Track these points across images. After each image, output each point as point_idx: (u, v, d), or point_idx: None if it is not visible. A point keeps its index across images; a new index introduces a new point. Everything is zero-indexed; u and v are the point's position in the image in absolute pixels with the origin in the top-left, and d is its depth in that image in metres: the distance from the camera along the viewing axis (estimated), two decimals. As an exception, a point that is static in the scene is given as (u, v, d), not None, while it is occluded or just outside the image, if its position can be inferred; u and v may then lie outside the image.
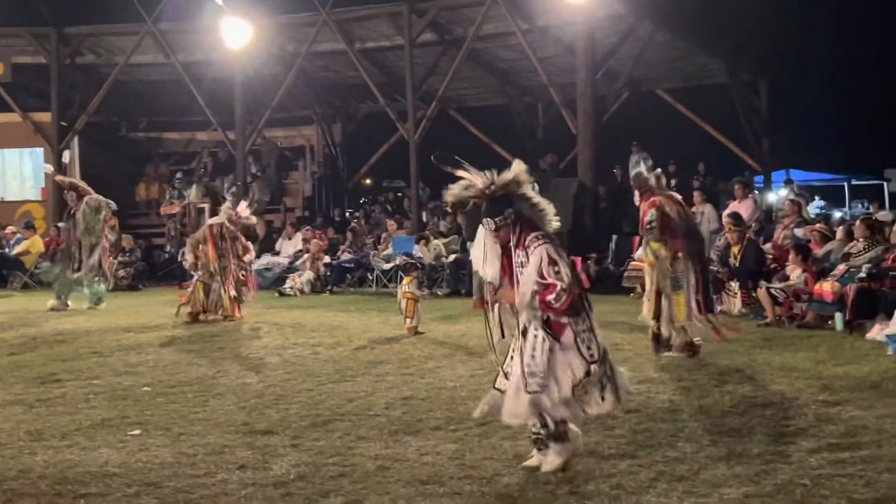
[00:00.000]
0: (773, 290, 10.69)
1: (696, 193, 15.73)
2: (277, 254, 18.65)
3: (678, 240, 8.40)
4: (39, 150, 21.44)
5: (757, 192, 19.68)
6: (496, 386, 5.18)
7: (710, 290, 8.70)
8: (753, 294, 11.14)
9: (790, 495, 4.52)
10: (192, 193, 20.95)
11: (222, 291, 11.91)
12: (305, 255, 17.31)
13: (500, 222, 5.05)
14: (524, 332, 5.01)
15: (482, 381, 7.19)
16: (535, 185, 5.56)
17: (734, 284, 11.51)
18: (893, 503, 4.40)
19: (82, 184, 14.57)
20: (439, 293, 15.61)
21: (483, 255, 5.19)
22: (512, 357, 5.09)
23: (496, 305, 5.21)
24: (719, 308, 10.03)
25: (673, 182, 14.92)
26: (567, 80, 18.18)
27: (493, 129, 23.33)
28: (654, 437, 5.65)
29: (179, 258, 17.80)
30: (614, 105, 19.13)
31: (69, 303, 13.88)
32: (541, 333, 4.95)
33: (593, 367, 4.98)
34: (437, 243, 16.61)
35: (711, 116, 21.16)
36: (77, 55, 21.26)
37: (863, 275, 9.84)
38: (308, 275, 16.62)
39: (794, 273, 10.97)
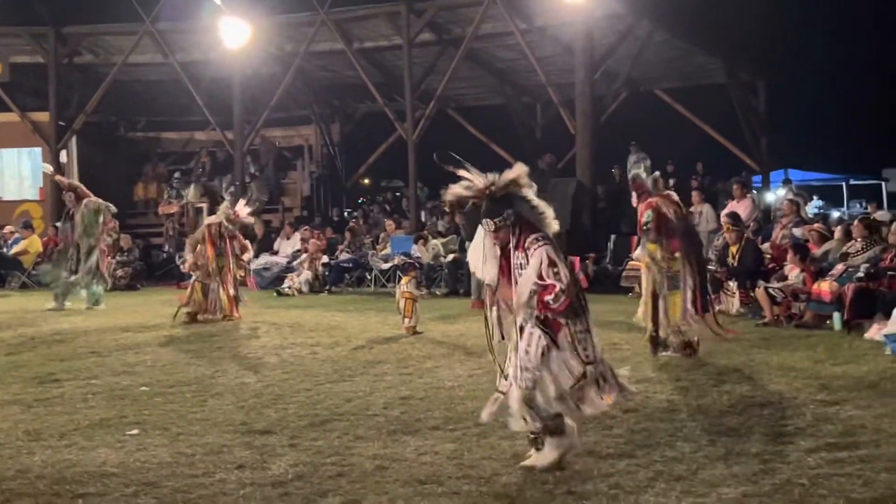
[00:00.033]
0: (771, 290, 10.69)
1: (694, 193, 15.73)
2: (276, 253, 18.65)
3: (675, 240, 8.42)
4: (38, 150, 21.38)
5: (755, 191, 19.70)
6: (498, 388, 5.19)
7: (707, 291, 8.73)
8: (751, 294, 11.15)
9: (788, 495, 4.52)
10: (191, 193, 20.88)
11: (221, 291, 11.91)
12: (304, 255, 17.29)
13: (500, 223, 5.06)
14: (521, 330, 5.02)
15: (480, 381, 7.21)
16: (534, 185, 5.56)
17: (732, 284, 11.54)
18: (891, 502, 4.40)
19: (81, 186, 14.57)
20: (437, 293, 15.60)
21: (482, 256, 5.19)
22: (510, 358, 5.10)
23: (494, 307, 5.22)
24: (718, 308, 10.03)
25: (671, 182, 14.95)
26: (565, 79, 18.16)
27: (491, 128, 23.31)
28: (652, 436, 5.65)
29: (177, 260, 17.79)
30: (613, 105, 19.08)
31: (67, 303, 13.86)
32: (537, 331, 4.97)
33: (589, 368, 4.99)
34: (436, 243, 16.61)
35: (710, 116, 21.14)
36: (75, 55, 21.23)
37: (861, 274, 9.85)
38: (306, 274, 16.61)
39: (793, 273, 10.98)
